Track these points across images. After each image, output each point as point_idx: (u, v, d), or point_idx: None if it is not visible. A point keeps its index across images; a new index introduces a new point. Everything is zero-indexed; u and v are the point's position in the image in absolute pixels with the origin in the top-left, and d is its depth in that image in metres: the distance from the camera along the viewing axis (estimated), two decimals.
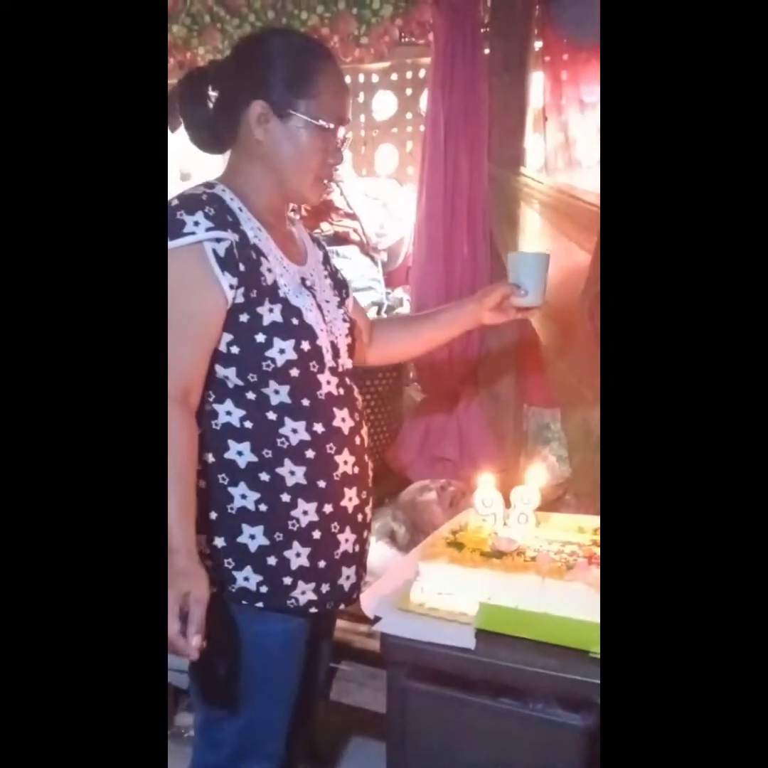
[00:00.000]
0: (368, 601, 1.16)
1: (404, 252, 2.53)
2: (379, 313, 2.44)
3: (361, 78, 2.55)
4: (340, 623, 1.80)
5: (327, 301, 1.31)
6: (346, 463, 1.25)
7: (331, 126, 1.21)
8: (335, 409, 1.24)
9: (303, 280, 1.27)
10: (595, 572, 1.07)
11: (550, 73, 2.15)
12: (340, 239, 2.38)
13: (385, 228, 2.46)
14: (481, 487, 1.29)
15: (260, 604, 1.20)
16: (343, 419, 1.25)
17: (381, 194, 2.50)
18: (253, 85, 1.21)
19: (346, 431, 1.26)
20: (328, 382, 1.24)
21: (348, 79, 2.49)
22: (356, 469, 1.27)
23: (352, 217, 2.40)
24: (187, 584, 1.05)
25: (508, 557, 1.12)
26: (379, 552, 1.93)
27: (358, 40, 2.23)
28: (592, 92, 2.14)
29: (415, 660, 1.08)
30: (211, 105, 1.28)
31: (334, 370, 1.26)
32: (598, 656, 0.98)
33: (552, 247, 2.22)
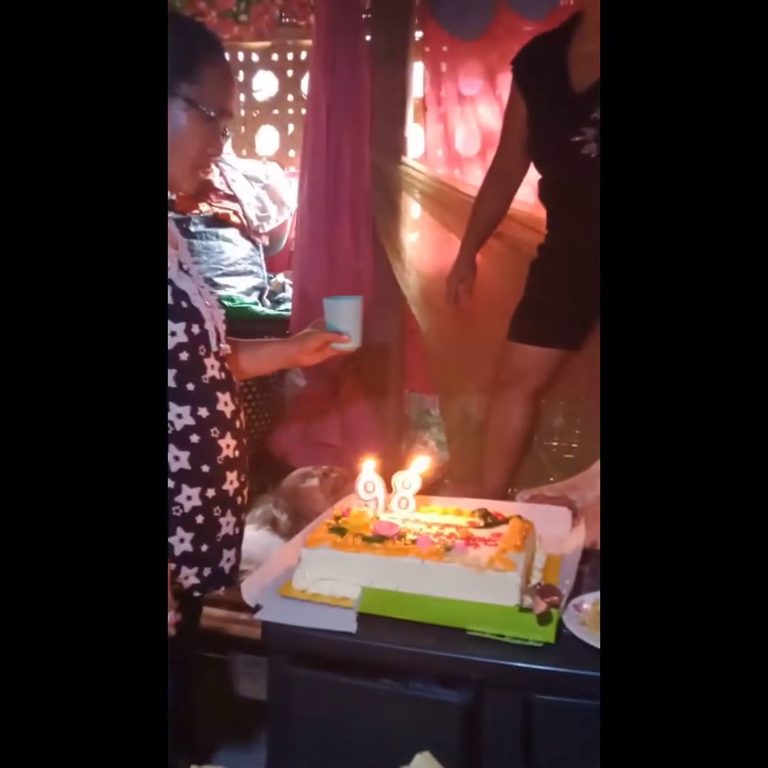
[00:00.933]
0: (249, 590, 1.14)
1: (287, 236, 2.50)
2: (260, 298, 2.40)
3: (241, 56, 2.49)
4: (220, 613, 1.78)
5: (202, 287, 1.30)
6: (228, 446, 1.25)
7: (212, 113, 1.19)
8: (219, 393, 1.24)
9: (180, 263, 1.25)
10: (473, 553, 1.10)
11: (429, 64, 2.18)
12: (220, 221, 2.32)
13: (267, 211, 2.43)
14: (363, 473, 1.30)
15: None
16: (225, 403, 1.25)
17: (263, 177, 2.45)
18: None
19: (228, 415, 1.26)
20: (212, 366, 1.24)
21: (226, 57, 2.46)
22: (237, 453, 1.27)
23: (233, 198, 2.35)
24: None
25: (389, 541, 1.14)
26: (260, 540, 1.91)
27: (236, 16, 2.18)
28: (470, 86, 2.19)
29: (298, 646, 1.07)
30: None
31: (216, 355, 1.25)
32: (476, 634, 1.01)
33: (431, 235, 2.27)
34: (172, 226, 1.35)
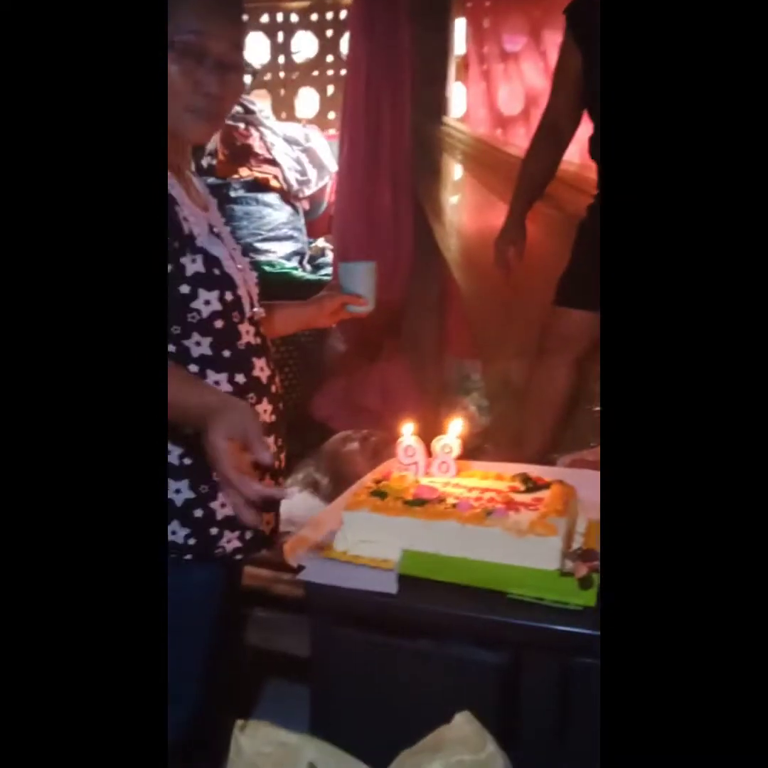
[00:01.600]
0: (292, 551, 1.16)
1: (326, 200, 2.49)
2: (301, 262, 2.40)
3: (280, 17, 2.46)
4: (263, 572, 1.81)
5: (235, 249, 1.29)
6: (265, 411, 1.25)
7: (181, 43, 1.11)
8: (254, 359, 1.24)
9: (211, 227, 1.24)
10: (513, 517, 1.10)
11: (471, 21, 2.13)
12: (261, 186, 2.32)
13: (307, 175, 2.41)
14: (403, 437, 1.30)
15: (189, 556, 1.21)
16: (261, 368, 1.25)
17: (302, 140, 2.44)
18: None
19: (264, 380, 1.26)
20: (247, 332, 1.23)
21: (265, 18, 2.43)
22: (274, 417, 1.28)
23: (272, 163, 2.34)
24: (230, 413, 1.03)
25: (429, 505, 1.14)
26: (302, 502, 1.94)
27: None
28: (513, 42, 2.13)
29: (339, 606, 1.09)
30: None
31: (250, 320, 1.25)
32: (516, 597, 1.02)
33: (472, 197, 2.24)
34: (202, 188, 1.33)
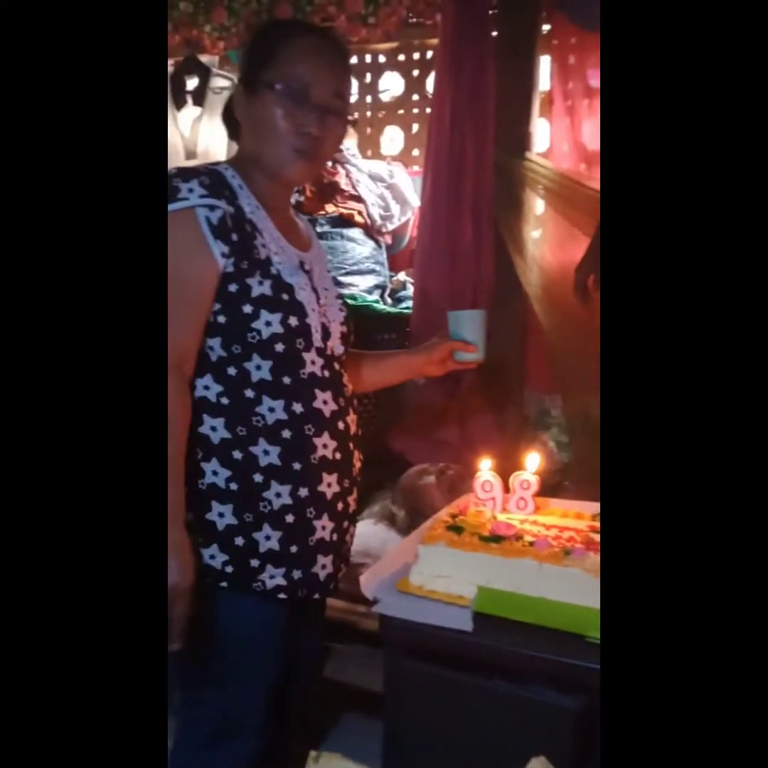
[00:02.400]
0: (368, 583, 1.17)
1: (408, 235, 2.53)
2: (382, 295, 2.44)
3: (368, 58, 2.53)
4: (339, 603, 1.82)
5: (325, 289, 1.31)
6: (325, 446, 1.22)
7: (286, 89, 1.19)
8: (317, 390, 1.22)
9: (302, 263, 1.26)
10: (593, 558, 1.08)
11: (557, 57, 2.14)
12: (345, 221, 2.38)
13: (390, 210, 2.46)
14: (481, 472, 1.30)
15: (224, 584, 1.18)
16: (325, 401, 1.23)
17: (386, 176, 2.49)
18: (239, 71, 1.29)
19: (327, 414, 1.23)
20: (313, 362, 1.22)
21: (354, 60, 2.51)
22: (338, 455, 1.24)
23: (357, 199, 2.39)
24: (172, 564, 1.06)
25: (506, 542, 1.13)
26: (378, 534, 1.95)
27: (365, 19, 2.22)
28: (598, 77, 2.13)
29: (413, 641, 1.09)
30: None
31: (321, 352, 1.24)
32: (595, 641, 0.99)
33: (555, 231, 2.23)
34: (306, 229, 1.38)
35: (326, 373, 1.25)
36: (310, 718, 1.89)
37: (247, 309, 1.17)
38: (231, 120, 1.31)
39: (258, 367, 1.18)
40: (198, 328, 1.16)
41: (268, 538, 1.18)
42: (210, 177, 1.18)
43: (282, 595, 1.22)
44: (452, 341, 1.39)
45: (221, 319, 1.17)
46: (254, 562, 1.18)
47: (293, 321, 1.19)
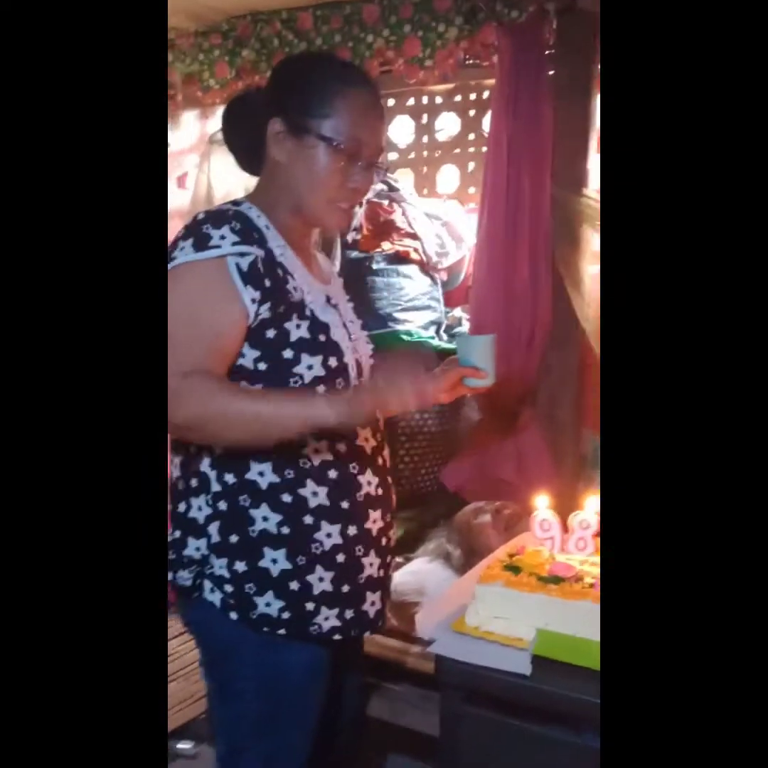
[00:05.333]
0: (423, 622, 1.17)
1: (464, 272, 2.54)
2: (438, 332, 2.45)
3: (425, 100, 2.58)
4: (394, 643, 1.81)
5: (351, 322, 1.32)
6: (369, 483, 1.23)
7: (342, 146, 1.18)
8: (358, 429, 1.23)
9: (328, 298, 1.27)
10: None
11: None
12: (401, 258, 2.40)
13: (446, 247, 2.48)
14: (539, 510, 1.28)
15: (282, 631, 1.18)
16: (366, 439, 1.24)
17: (442, 214, 2.52)
18: (275, 103, 1.22)
19: (368, 451, 1.24)
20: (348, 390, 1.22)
21: (411, 102, 2.57)
22: (379, 491, 1.26)
23: (413, 236, 2.42)
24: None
25: (565, 583, 1.12)
26: (434, 573, 1.93)
27: (422, 62, 2.26)
28: None
29: (470, 683, 1.08)
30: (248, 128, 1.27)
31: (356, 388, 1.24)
32: None
33: None
34: (325, 264, 1.38)
35: None
36: (358, 759, 1.87)
37: (288, 354, 1.17)
38: (251, 153, 1.27)
39: None
40: (224, 367, 1.16)
41: (321, 579, 1.19)
42: (239, 221, 1.17)
43: (337, 636, 1.21)
44: (462, 368, 1.37)
45: (262, 366, 1.17)
46: (310, 606, 1.18)
47: (332, 362, 1.20)
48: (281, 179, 1.23)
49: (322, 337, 1.20)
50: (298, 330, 1.18)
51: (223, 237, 1.14)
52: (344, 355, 1.23)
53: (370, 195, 2.41)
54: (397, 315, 2.39)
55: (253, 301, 1.15)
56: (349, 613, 1.21)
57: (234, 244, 1.14)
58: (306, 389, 1.18)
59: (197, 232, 1.15)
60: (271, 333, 1.17)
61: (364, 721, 1.77)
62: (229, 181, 2.46)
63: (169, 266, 1.13)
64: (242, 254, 1.15)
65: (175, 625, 2.70)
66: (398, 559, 1.92)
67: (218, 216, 1.18)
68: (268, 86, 1.28)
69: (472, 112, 2.52)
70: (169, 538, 1.24)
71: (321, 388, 1.18)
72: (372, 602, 1.24)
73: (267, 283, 1.16)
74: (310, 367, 1.18)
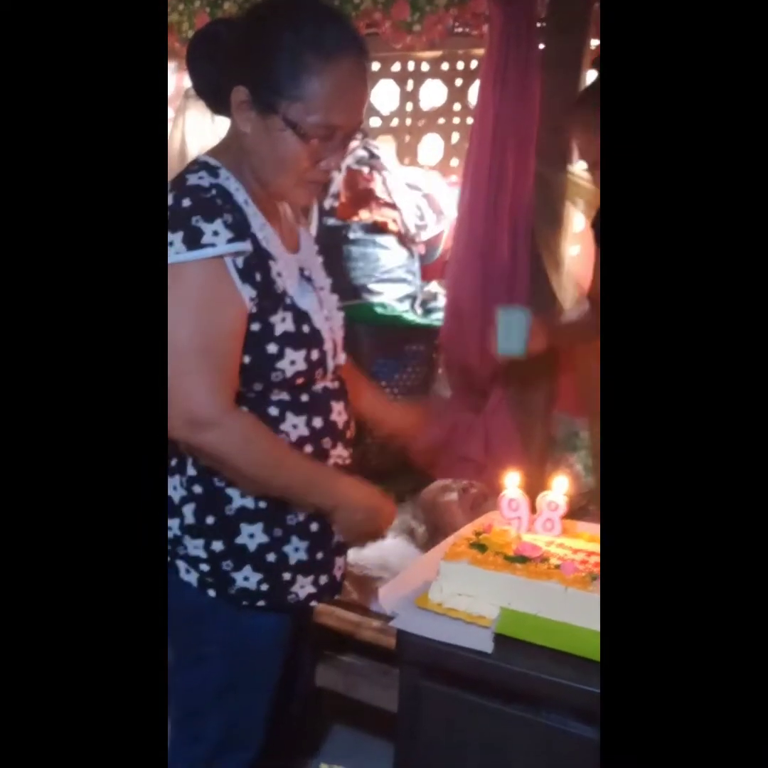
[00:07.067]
0: (386, 597, 1.16)
1: (442, 246, 2.53)
2: (412, 306, 2.44)
3: (411, 66, 2.54)
4: (353, 617, 1.81)
5: (322, 288, 1.29)
6: (340, 456, 1.27)
7: (313, 134, 1.09)
8: (332, 403, 1.25)
9: (301, 270, 1.24)
10: None
11: None
12: (379, 228, 2.39)
13: (425, 220, 2.46)
14: (507, 489, 1.29)
15: (261, 603, 1.21)
16: (339, 413, 1.26)
17: (423, 185, 2.49)
18: (242, 65, 1.10)
19: (340, 425, 1.27)
20: (325, 377, 1.25)
21: (397, 67, 2.53)
22: (348, 462, 1.29)
23: (393, 206, 2.40)
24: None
25: (531, 563, 1.12)
26: (397, 549, 1.94)
27: (410, 27, 2.22)
28: None
29: (431, 659, 1.08)
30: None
31: (333, 369, 1.27)
32: None
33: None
34: (297, 229, 1.31)
35: (336, 384, 1.28)
36: (308, 730, 1.89)
37: (272, 349, 1.16)
38: (219, 97, 1.15)
39: (277, 396, 1.20)
40: (238, 365, 1.15)
41: (296, 549, 1.22)
42: (226, 209, 1.10)
43: (313, 603, 1.27)
44: (425, 410, 1.44)
45: (246, 360, 1.15)
46: (287, 575, 1.22)
47: (314, 354, 1.20)
48: (247, 146, 1.15)
49: (305, 328, 1.18)
50: (282, 323, 1.16)
51: (216, 233, 1.08)
52: (324, 342, 1.22)
53: (349, 161, 2.37)
54: (371, 286, 2.37)
55: (251, 298, 1.13)
56: (323, 579, 1.26)
57: (229, 241, 1.09)
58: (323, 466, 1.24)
59: (187, 224, 1.07)
60: (255, 326, 1.15)
61: (315, 689, 1.80)
62: (205, 136, 2.42)
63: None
64: (237, 252, 1.11)
65: None
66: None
67: (207, 205, 1.09)
68: (238, 30, 1.14)
69: (458, 82, 2.50)
70: None
71: (300, 380, 1.20)
72: (339, 567, 1.30)
73: (258, 277, 1.13)
74: (292, 363, 1.17)
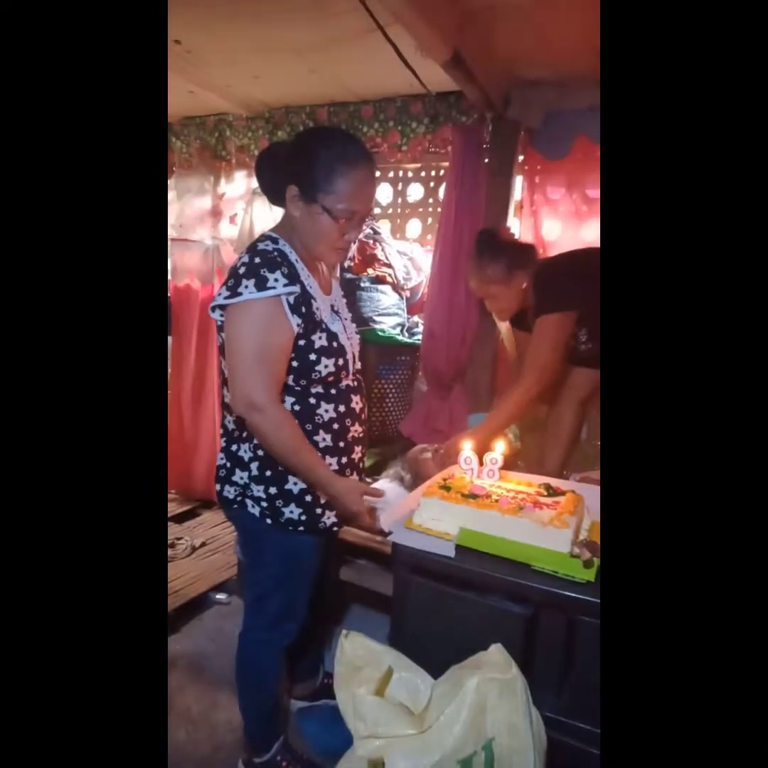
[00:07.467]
0: (385, 521, 1.16)
1: (421, 292, 2.52)
2: (401, 331, 2.43)
3: (401, 173, 2.53)
4: (364, 534, 1.81)
5: (346, 318, 1.28)
6: (356, 431, 1.25)
7: (342, 219, 1.08)
8: (352, 396, 1.24)
9: (332, 306, 1.23)
10: (538, 513, 1.06)
11: (527, 177, 2.12)
12: (380, 280, 2.37)
13: (410, 274, 2.46)
14: (464, 451, 1.29)
15: (301, 528, 1.21)
16: (356, 402, 1.25)
17: (409, 252, 2.49)
18: (293, 171, 1.10)
19: (357, 411, 1.25)
20: (347, 377, 1.23)
21: (391, 174, 2.51)
22: (361, 434, 1.28)
23: (388, 266, 2.39)
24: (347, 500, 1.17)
25: (480, 499, 1.12)
26: (392, 489, 1.92)
27: (400, 147, 2.21)
28: (555, 192, 2.11)
29: (415, 561, 1.08)
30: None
31: (353, 372, 1.26)
32: (538, 569, 0.97)
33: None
34: (330, 279, 1.29)
35: (355, 383, 1.26)
36: (334, 608, 1.88)
37: (313, 357, 1.15)
38: (276, 192, 1.15)
39: (315, 385, 1.18)
40: (284, 371, 1.14)
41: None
42: (284, 264, 1.10)
43: (335, 528, 1.26)
44: (365, 491, 1.26)
45: (295, 363, 1.15)
46: (318, 510, 1.22)
47: (340, 361, 1.19)
48: (296, 225, 1.15)
49: (334, 344, 1.18)
50: (319, 340, 1.16)
51: (277, 280, 1.08)
52: (347, 354, 1.21)
53: (360, 236, 2.36)
54: (375, 318, 2.37)
55: (298, 325, 1.13)
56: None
57: (285, 285, 1.08)
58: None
59: (257, 274, 1.07)
60: (302, 342, 1.14)
61: (339, 582, 1.79)
62: (266, 220, 2.42)
63: (235, 300, 1.07)
64: (290, 293, 1.10)
65: (216, 518, 2.67)
66: (368, 480, 1.91)
67: (271, 261, 1.09)
68: (290, 149, 1.13)
69: (432, 184, 2.48)
70: (222, 464, 1.24)
71: (330, 378, 1.17)
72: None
73: (303, 310, 1.13)
74: (326, 366, 1.17)
